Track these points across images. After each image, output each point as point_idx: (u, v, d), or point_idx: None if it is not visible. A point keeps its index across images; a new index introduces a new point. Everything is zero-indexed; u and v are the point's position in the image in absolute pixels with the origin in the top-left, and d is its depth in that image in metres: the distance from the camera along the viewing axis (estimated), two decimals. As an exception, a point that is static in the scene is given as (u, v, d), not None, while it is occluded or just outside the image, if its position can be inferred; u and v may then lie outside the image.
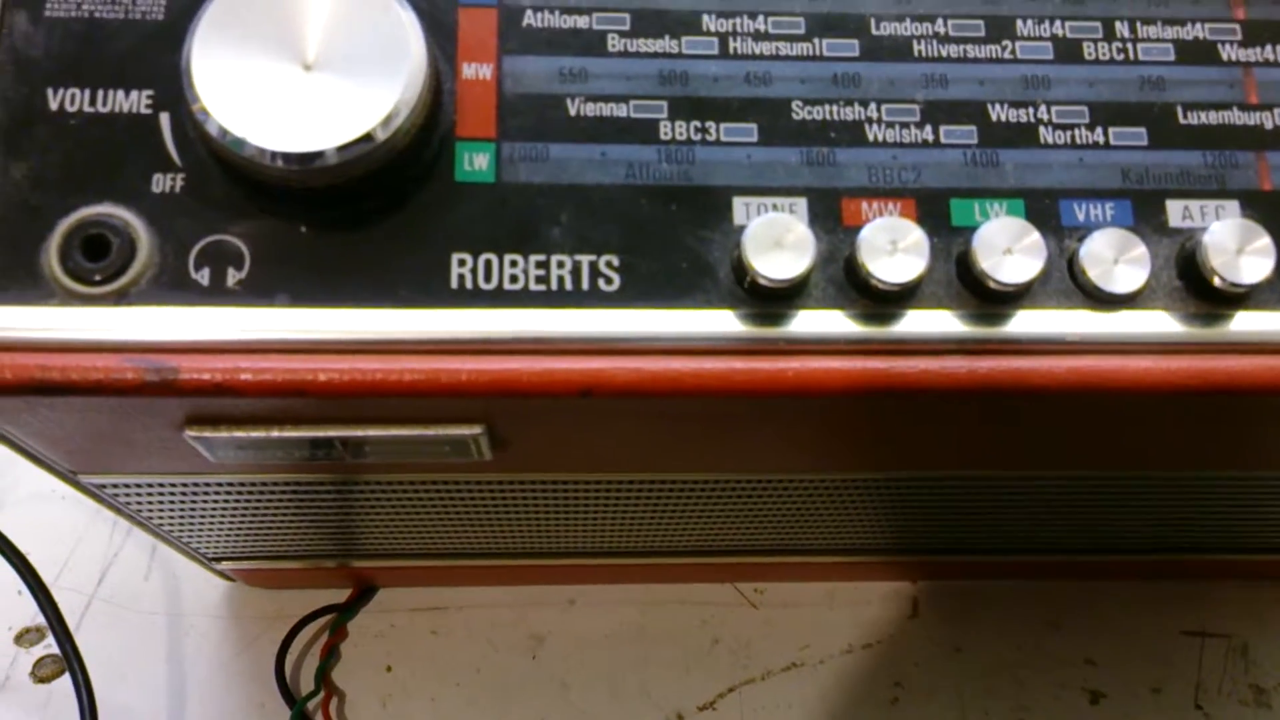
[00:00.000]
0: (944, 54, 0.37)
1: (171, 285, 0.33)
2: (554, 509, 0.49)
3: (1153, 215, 0.36)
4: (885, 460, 0.45)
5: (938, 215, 0.36)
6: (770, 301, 0.34)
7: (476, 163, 0.35)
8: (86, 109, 0.34)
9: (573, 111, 0.36)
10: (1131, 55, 0.37)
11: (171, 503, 0.46)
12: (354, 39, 0.33)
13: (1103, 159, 0.36)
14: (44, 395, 0.33)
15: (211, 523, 0.49)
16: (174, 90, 0.34)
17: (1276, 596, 0.65)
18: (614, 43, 0.36)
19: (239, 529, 0.50)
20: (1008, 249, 0.34)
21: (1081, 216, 0.36)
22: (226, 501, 0.46)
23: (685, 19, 0.37)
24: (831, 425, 0.40)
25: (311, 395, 0.33)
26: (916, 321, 0.35)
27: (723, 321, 0.34)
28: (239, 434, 0.35)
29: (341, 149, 0.32)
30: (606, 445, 0.41)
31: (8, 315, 0.33)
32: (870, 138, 0.36)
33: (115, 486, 0.43)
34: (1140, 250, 0.35)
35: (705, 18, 0.37)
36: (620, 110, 0.36)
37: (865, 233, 0.34)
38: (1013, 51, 0.37)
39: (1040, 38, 0.37)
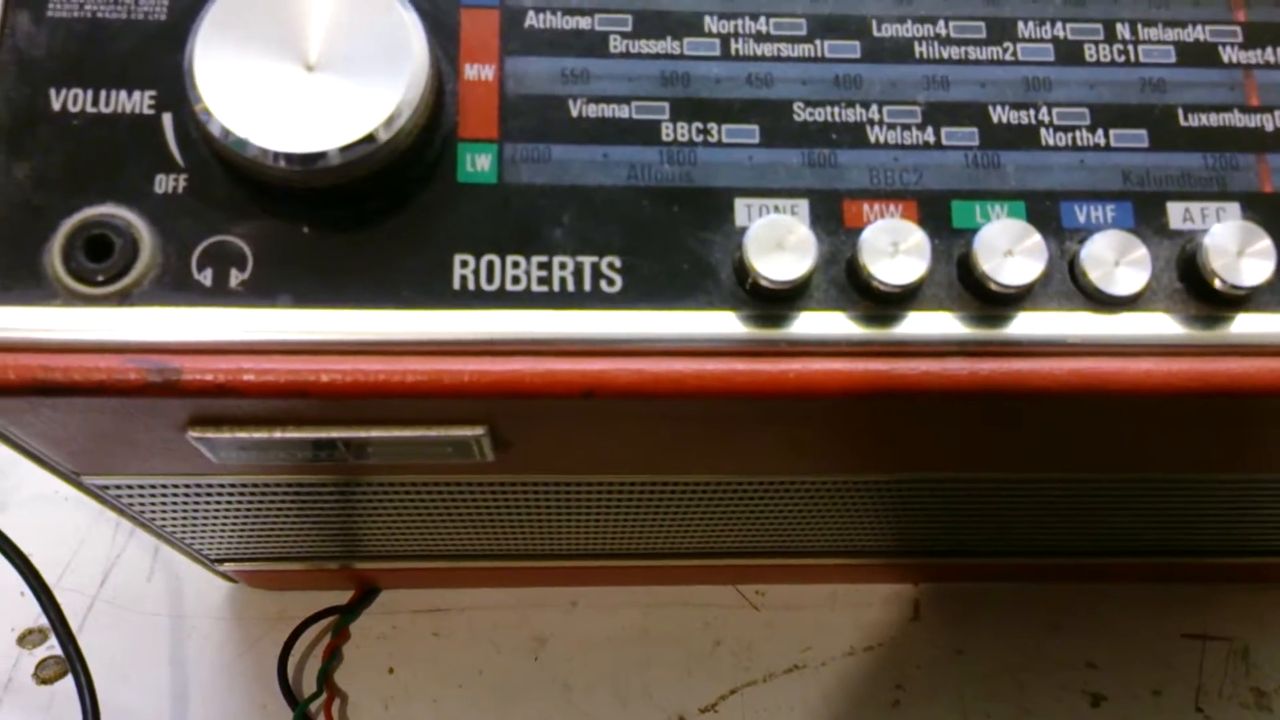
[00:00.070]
0: (945, 56, 0.37)
1: (174, 286, 0.33)
2: (556, 510, 0.49)
3: (1153, 217, 0.36)
4: (887, 462, 0.45)
5: (939, 217, 0.36)
6: (772, 303, 0.34)
7: (479, 164, 0.35)
8: (89, 109, 0.35)
9: (575, 112, 0.36)
10: (1132, 57, 0.37)
11: (174, 504, 0.46)
12: (356, 40, 0.33)
13: (1104, 161, 0.36)
14: (47, 396, 0.33)
15: (214, 524, 0.49)
16: (176, 91, 0.34)
17: (1277, 599, 0.65)
18: (616, 44, 0.36)
19: (241, 530, 0.50)
20: (1009, 251, 0.34)
21: (1082, 218, 0.36)
22: (229, 503, 0.46)
23: (687, 20, 0.37)
24: (833, 427, 0.40)
25: (314, 396, 0.33)
26: (918, 323, 0.35)
27: (724, 323, 0.34)
28: (241, 435, 0.35)
29: (344, 150, 0.32)
30: (608, 447, 0.41)
31: (11, 316, 0.33)
32: (872, 139, 0.36)
33: (118, 488, 0.43)
34: (1141, 252, 0.35)
35: (707, 19, 0.37)
36: (622, 111, 0.36)
37: (867, 234, 0.34)
38: (1014, 53, 0.37)
39: (1041, 39, 0.37)
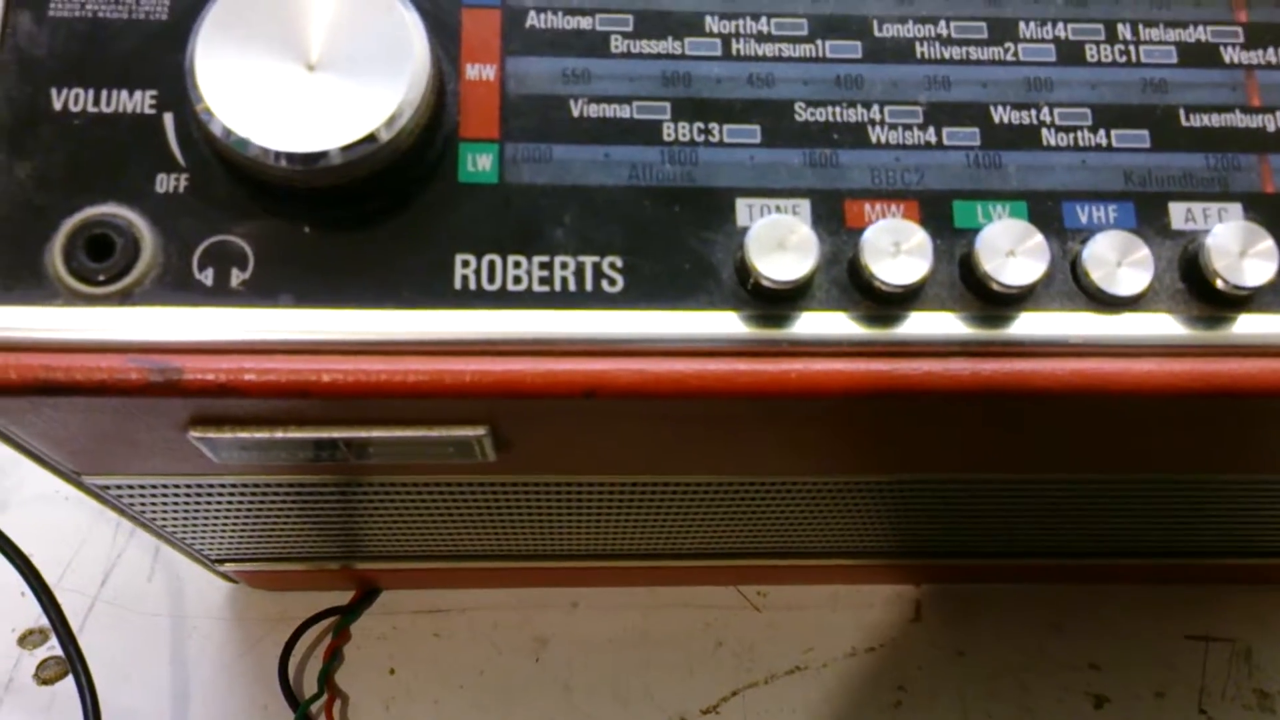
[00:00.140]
0: (946, 56, 0.37)
1: (175, 285, 0.33)
2: (557, 511, 0.49)
3: (1155, 218, 0.36)
4: (888, 463, 0.45)
5: (940, 217, 0.36)
6: (773, 303, 0.34)
7: (480, 163, 0.35)
8: (90, 109, 0.35)
9: (576, 112, 0.36)
10: (1134, 57, 0.37)
11: (175, 504, 0.46)
12: (357, 39, 0.33)
13: (1105, 161, 0.36)
14: (48, 395, 0.33)
15: (215, 524, 0.49)
16: (178, 90, 0.34)
17: (1280, 600, 0.65)
18: (617, 44, 0.36)
19: (242, 530, 0.50)
20: (1011, 251, 0.34)
21: (1084, 219, 0.36)
22: (230, 503, 0.46)
23: (688, 20, 0.37)
24: (834, 427, 0.40)
25: (315, 396, 0.33)
26: (919, 323, 0.35)
27: (726, 323, 0.34)
28: (243, 435, 0.35)
29: (345, 149, 0.32)
30: (610, 447, 0.41)
31: (12, 315, 0.33)
32: (873, 139, 0.36)
33: (119, 488, 0.43)
34: (1143, 253, 0.35)
35: (708, 19, 0.37)
36: (623, 111, 0.36)
37: (868, 234, 0.34)
38: (1015, 53, 0.37)
39: (1043, 40, 0.37)
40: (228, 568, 0.58)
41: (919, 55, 0.37)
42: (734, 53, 0.37)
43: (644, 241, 0.35)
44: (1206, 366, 0.35)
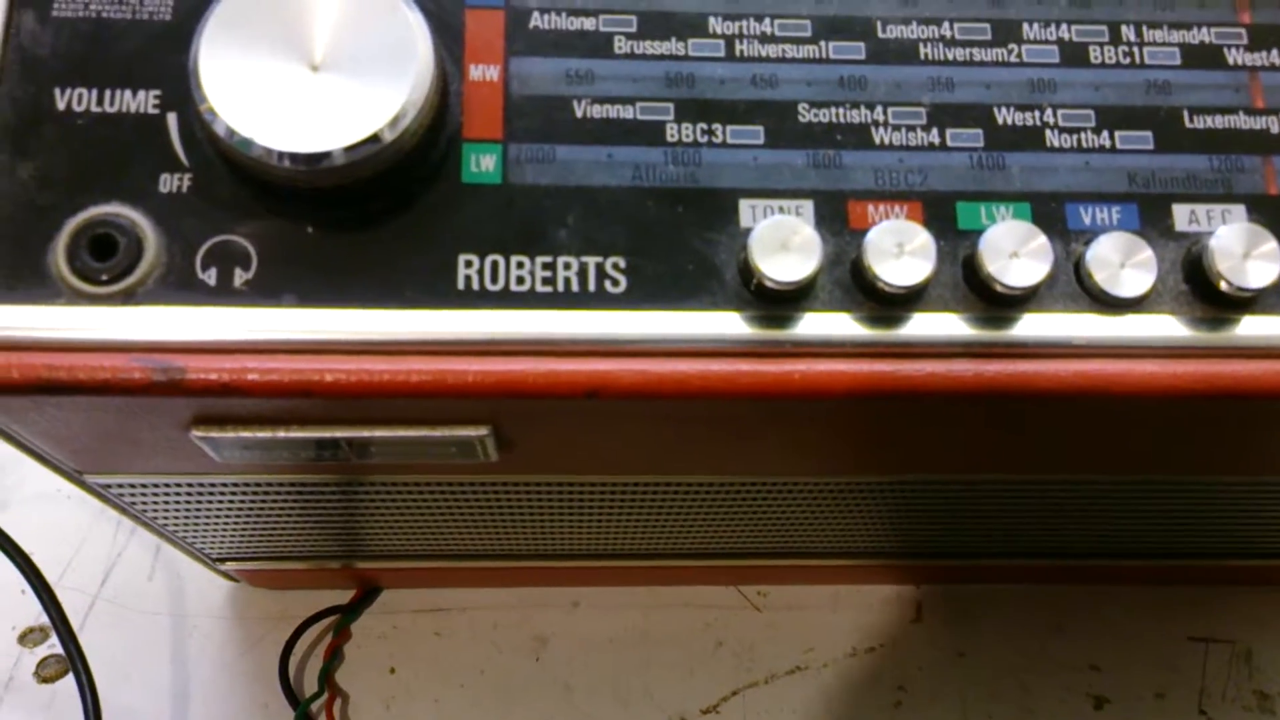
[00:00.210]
0: (950, 57, 0.37)
1: (178, 285, 0.33)
2: (558, 511, 0.49)
3: (1159, 219, 0.36)
4: (890, 464, 0.45)
5: (944, 218, 0.36)
6: (776, 304, 0.34)
7: (483, 164, 0.35)
8: (94, 109, 0.34)
9: (579, 113, 0.36)
10: (1137, 59, 0.37)
11: (177, 503, 0.46)
12: (361, 40, 0.33)
13: (1109, 162, 0.36)
14: (51, 395, 0.33)
15: (216, 523, 0.49)
16: (181, 90, 0.34)
17: (1281, 602, 0.65)
18: (620, 45, 0.36)
19: (244, 529, 0.50)
20: (1014, 252, 0.34)
21: (1088, 220, 0.36)
22: (231, 502, 0.46)
23: (692, 21, 0.37)
24: (837, 428, 0.40)
25: (318, 396, 0.33)
26: (923, 324, 0.35)
27: (729, 323, 0.34)
28: (245, 434, 0.35)
29: (349, 150, 0.32)
30: (611, 447, 0.41)
31: (15, 315, 0.33)
32: (876, 140, 0.36)
33: (121, 486, 0.43)
34: (1147, 254, 0.35)
35: (712, 20, 0.37)
36: (627, 112, 0.36)
37: (872, 235, 0.34)
38: (1019, 55, 0.37)
39: (1046, 41, 0.37)
40: (229, 566, 0.58)
41: (922, 56, 0.37)
42: (737, 54, 0.37)
43: (647, 242, 0.35)
44: (1210, 368, 0.35)
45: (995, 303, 0.35)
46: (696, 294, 0.34)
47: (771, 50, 0.37)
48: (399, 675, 0.63)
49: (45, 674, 0.61)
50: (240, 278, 0.34)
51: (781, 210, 0.35)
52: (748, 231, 0.34)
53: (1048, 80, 0.37)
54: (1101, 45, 0.37)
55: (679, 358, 0.34)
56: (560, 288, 0.34)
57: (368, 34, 0.33)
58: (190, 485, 0.43)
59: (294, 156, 0.32)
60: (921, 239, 0.34)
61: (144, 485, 0.43)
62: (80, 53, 0.35)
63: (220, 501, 0.46)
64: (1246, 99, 0.37)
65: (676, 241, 0.35)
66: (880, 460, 0.44)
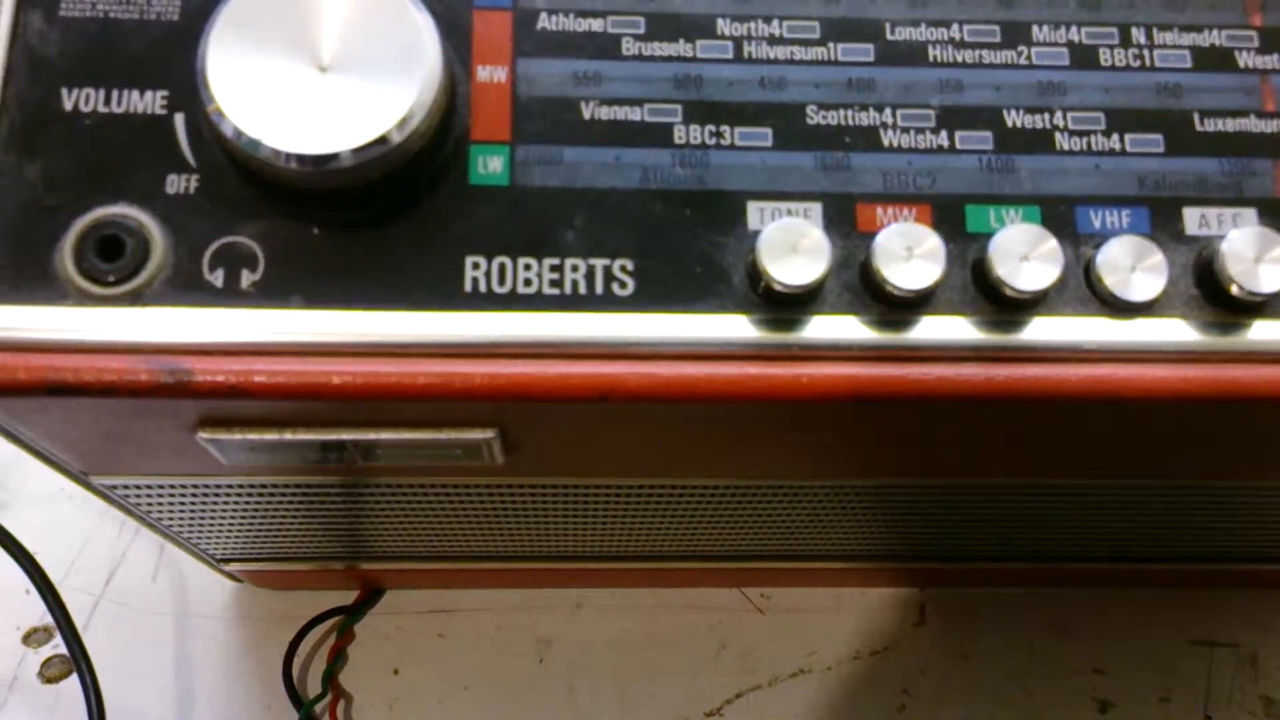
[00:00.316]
0: (959, 59, 0.37)
1: (185, 286, 0.33)
2: (563, 513, 0.49)
3: (1169, 223, 0.36)
4: (897, 468, 0.45)
5: (953, 221, 0.35)
6: (784, 307, 0.34)
7: (491, 166, 0.35)
8: (101, 109, 0.34)
9: (587, 115, 0.36)
10: (1148, 62, 0.37)
11: (181, 504, 0.45)
12: (369, 41, 0.33)
13: (1119, 166, 0.36)
14: (57, 396, 0.33)
15: (221, 524, 0.49)
16: (189, 91, 0.34)
17: (1287, 606, 0.65)
18: (628, 46, 0.36)
19: (248, 530, 0.50)
20: (1024, 256, 0.34)
21: (1098, 224, 0.36)
22: (236, 503, 0.46)
23: (700, 22, 0.37)
24: (845, 432, 0.40)
25: (325, 398, 0.33)
26: (931, 328, 0.35)
27: (737, 327, 0.34)
28: (252, 436, 0.35)
29: (357, 151, 0.32)
30: (617, 450, 0.41)
31: (22, 315, 0.33)
32: (885, 143, 0.36)
33: (125, 487, 0.43)
34: (1157, 258, 0.34)
35: (720, 21, 0.37)
36: (634, 114, 0.36)
37: (880, 238, 0.34)
38: (1028, 57, 0.37)
39: (1056, 43, 0.37)
40: (233, 567, 0.58)
41: (931, 58, 0.37)
42: (746, 55, 0.36)
43: (655, 245, 0.35)
44: (1220, 373, 0.35)
45: (1005, 306, 0.35)
46: (704, 297, 0.34)
47: (780, 52, 0.37)
48: (402, 676, 0.63)
49: (49, 674, 0.61)
50: (247, 279, 0.33)
51: (790, 213, 0.35)
52: (756, 234, 0.34)
53: (1057, 83, 0.37)
54: (1112, 47, 0.37)
55: (686, 361, 0.34)
56: (567, 290, 0.34)
57: (376, 35, 0.33)
58: (195, 486, 0.43)
59: (301, 158, 0.32)
60: (931, 242, 0.34)
61: (149, 486, 0.43)
62: (87, 53, 0.35)
63: (225, 503, 0.46)
64: (1257, 102, 0.37)
65: (684, 244, 0.35)
66: (887, 464, 0.44)
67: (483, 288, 0.34)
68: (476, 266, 0.34)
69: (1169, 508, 0.50)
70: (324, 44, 0.33)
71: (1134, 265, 0.34)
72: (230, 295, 0.33)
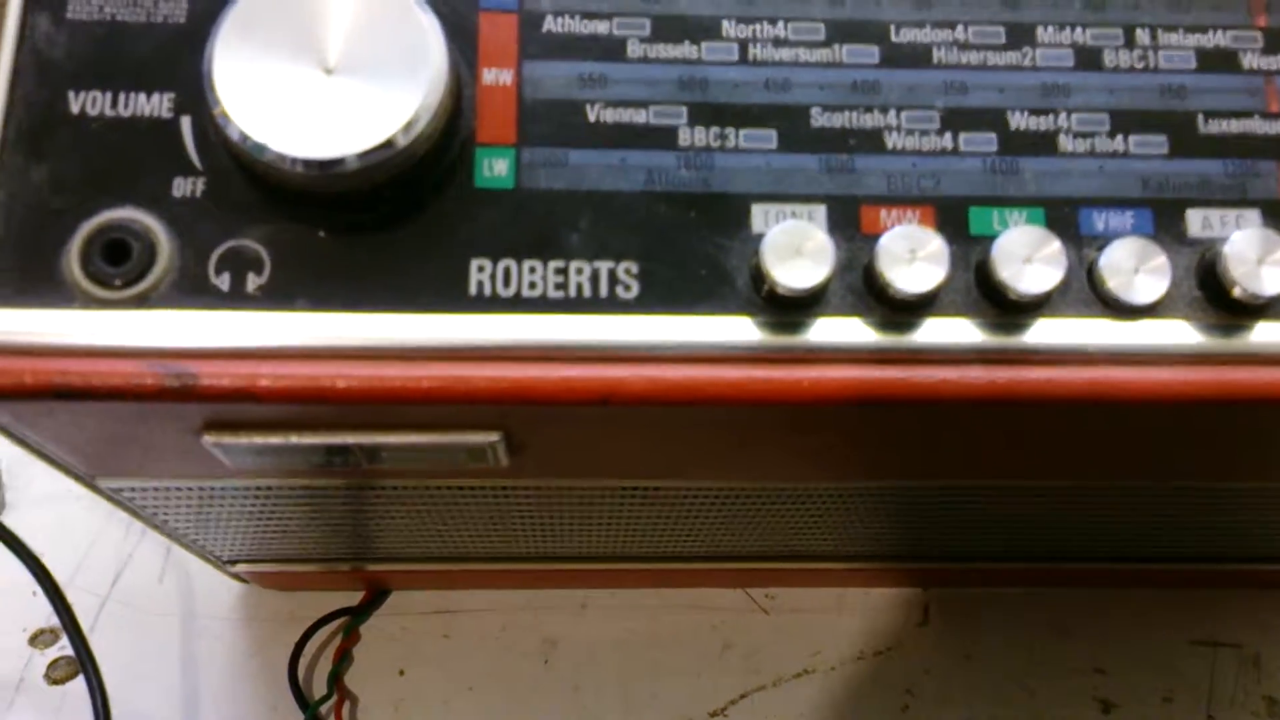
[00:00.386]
0: (964, 61, 0.37)
1: (192, 290, 0.33)
2: (567, 514, 0.49)
3: (1173, 224, 0.36)
4: (900, 469, 0.45)
5: (956, 223, 0.35)
6: (788, 309, 0.34)
7: (496, 168, 0.35)
8: (108, 112, 0.34)
9: (592, 117, 0.36)
10: (1152, 63, 0.37)
11: (187, 506, 0.46)
12: (375, 44, 0.33)
13: (1123, 167, 0.36)
14: (63, 400, 0.33)
15: (226, 526, 0.49)
16: (196, 93, 0.34)
17: (1290, 606, 0.65)
18: (634, 48, 0.36)
19: (254, 532, 0.50)
20: (1027, 258, 0.34)
21: (1101, 225, 0.36)
22: (242, 505, 0.46)
23: (705, 24, 0.36)
24: (848, 434, 0.40)
25: (330, 401, 0.33)
26: (935, 330, 0.35)
27: (741, 329, 0.34)
28: (257, 440, 0.35)
29: (362, 156, 0.32)
30: (621, 452, 0.41)
31: (28, 319, 0.33)
32: (889, 145, 0.36)
33: (132, 490, 0.43)
34: (1160, 260, 0.34)
35: (725, 23, 0.37)
36: (640, 116, 0.36)
37: (884, 241, 0.34)
38: (1033, 59, 0.37)
39: (1060, 45, 0.37)
40: (239, 568, 0.58)
41: (936, 60, 0.37)
42: (751, 57, 0.36)
43: (659, 247, 0.35)
44: (1223, 375, 0.35)
45: (1008, 309, 0.35)
46: (708, 299, 0.34)
47: (785, 54, 0.37)
48: (408, 677, 0.63)
49: (56, 676, 0.62)
50: (253, 282, 0.33)
51: (794, 215, 0.35)
52: (760, 236, 0.34)
53: (1062, 84, 0.37)
54: (1116, 49, 0.37)
55: (690, 363, 0.34)
56: (572, 293, 0.34)
57: (382, 38, 0.33)
58: (201, 489, 0.43)
59: (307, 162, 0.32)
60: (934, 245, 0.34)
61: (155, 489, 0.43)
62: (94, 56, 0.35)
63: (230, 505, 0.46)
64: (1261, 103, 0.37)
65: (689, 247, 0.35)
66: (890, 466, 0.44)
67: (487, 290, 0.34)
68: (481, 269, 0.34)
69: (1171, 508, 0.50)
70: (330, 47, 0.33)
71: (1137, 267, 0.34)
72: (236, 298, 0.33)
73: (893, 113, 0.36)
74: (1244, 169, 0.36)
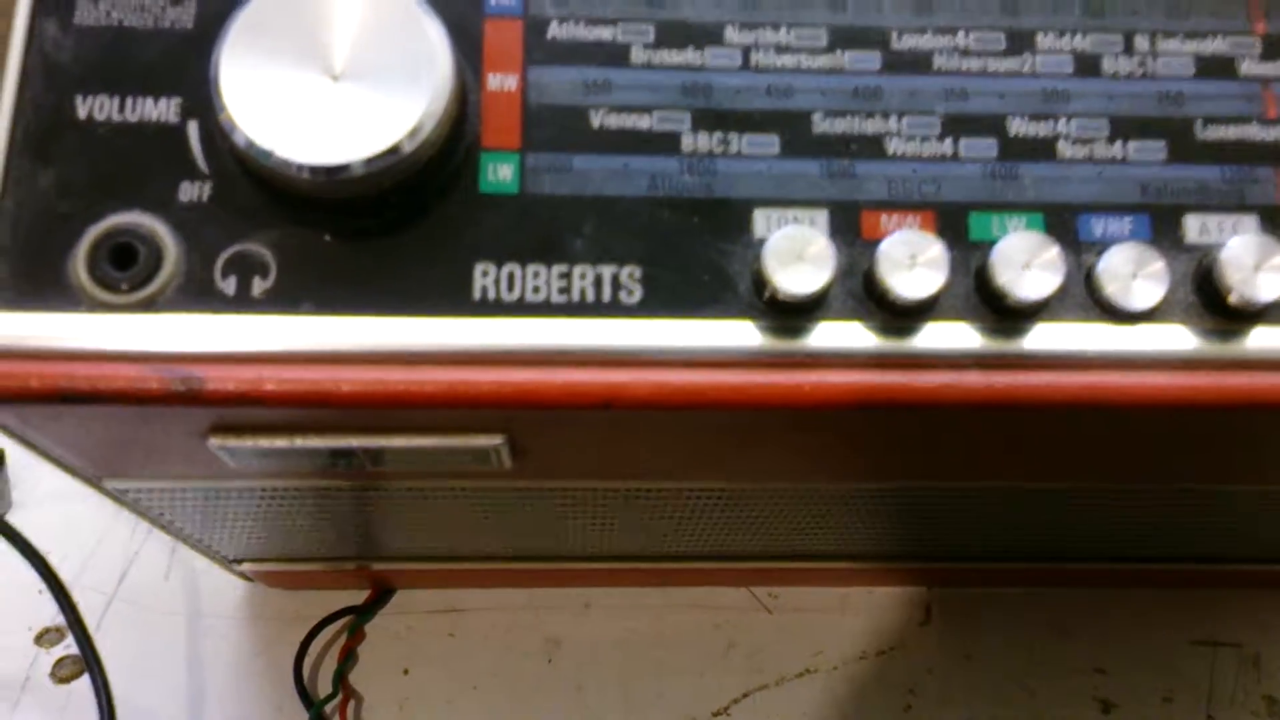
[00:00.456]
0: (964, 67, 0.37)
1: (198, 294, 0.34)
2: (571, 514, 0.49)
3: (1171, 230, 0.36)
4: (900, 472, 0.45)
5: (956, 229, 0.36)
6: (790, 314, 0.34)
7: (500, 174, 0.35)
8: (115, 117, 0.35)
9: (596, 123, 0.36)
10: (1151, 69, 0.37)
11: (193, 507, 0.46)
12: (381, 50, 0.33)
13: (1121, 173, 0.36)
14: (70, 404, 0.33)
15: (232, 526, 0.49)
16: (202, 98, 0.34)
17: (1291, 606, 0.65)
18: (638, 54, 0.36)
19: (259, 532, 0.51)
20: (1026, 264, 0.34)
21: (1100, 231, 0.36)
22: (247, 505, 0.46)
23: (709, 31, 0.37)
24: (849, 437, 0.40)
25: (335, 405, 0.33)
26: (934, 335, 0.35)
27: (742, 334, 0.34)
28: (262, 443, 0.36)
29: (368, 162, 0.32)
30: (625, 455, 0.41)
31: (35, 323, 0.33)
32: (890, 150, 0.36)
33: (138, 491, 0.44)
34: (1158, 265, 0.35)
35: (728, 29, 0.37)
36: (643, 122, 0.36)
37: (884, 246, 0.34)
38: (1033, 65, 0.37)
39: (1060, 51, 0.37)
40: (244, 567, 0.58)
41: (937, 67, 0.37)
42: (753, 64, 0.37)
43: (662, 252, 0.35)
44: (1220, 380, 0.35)
45: (1007, 314, 0.35)
46: (711, 304, 0.35)
47: (787, 60, 0.37)
48: (412, 676, 0.63)
49: (61, 674, 0.62)
50: (259, 287, 0.34)
51: (796, 220, 0.35)
52: (762, 242, 0.34)
53: (1061, 90, 0.37)
54: (1115, 55, 0.37)
55: (693, 368, 0.34)
56: (575, 297, 0.34)
57: (388, 44, 0.33)
58: (206, 490, 0.44)
59: (313, 168, 0.32)
60: (934, 250, 0.34)
61: (161, 490, 0.44)
62: (102, 61, 0.35)
63: (236, 505, 0.46)
64: (1259, 109, 0.37)
65: (691, 252, 0.35)
66: (891, 468, 0.44)
67: (492, 295, 0.34)
68: (486, 274, 0.34)
69: (1170, 509, 0.50)
70: (336, 53, 0.33)
71: (1135, 273, 0.35)
72: (242, 303, 0.34)
73: (894, 118, 0.37)
74: (1242, 175, 0.37)
